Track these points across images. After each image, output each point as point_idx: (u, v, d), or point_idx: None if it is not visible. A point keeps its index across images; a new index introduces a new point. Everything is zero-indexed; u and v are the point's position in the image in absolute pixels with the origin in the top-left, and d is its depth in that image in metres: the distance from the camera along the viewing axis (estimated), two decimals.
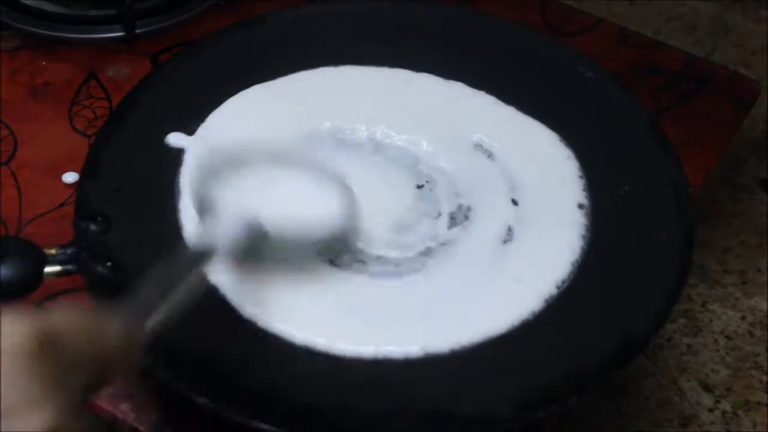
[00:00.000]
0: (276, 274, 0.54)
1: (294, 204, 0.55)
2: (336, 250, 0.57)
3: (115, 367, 0.39)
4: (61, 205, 0.65)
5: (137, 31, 0.76)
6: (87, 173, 0.60)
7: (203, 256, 0.49)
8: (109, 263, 0.54)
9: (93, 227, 0.56)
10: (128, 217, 0.57)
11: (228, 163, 0.55)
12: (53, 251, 0.54)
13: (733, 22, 0.94)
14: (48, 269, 0.53)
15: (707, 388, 0.70)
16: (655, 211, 0.60)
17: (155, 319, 0.43)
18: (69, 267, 0.53)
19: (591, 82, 0.67)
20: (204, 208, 0.53)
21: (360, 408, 0.51)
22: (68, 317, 0.37)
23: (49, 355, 0.35)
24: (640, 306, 0.55)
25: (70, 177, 0.66)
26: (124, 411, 0.55)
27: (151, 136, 0.62)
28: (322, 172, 0.57)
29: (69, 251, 0.54)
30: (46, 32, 0.76)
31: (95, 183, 0.59)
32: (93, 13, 0.77)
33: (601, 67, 0.67)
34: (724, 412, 0.69)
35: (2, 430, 0.33)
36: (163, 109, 0.64)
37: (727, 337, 0.73)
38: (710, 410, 0.69)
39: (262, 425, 0.48)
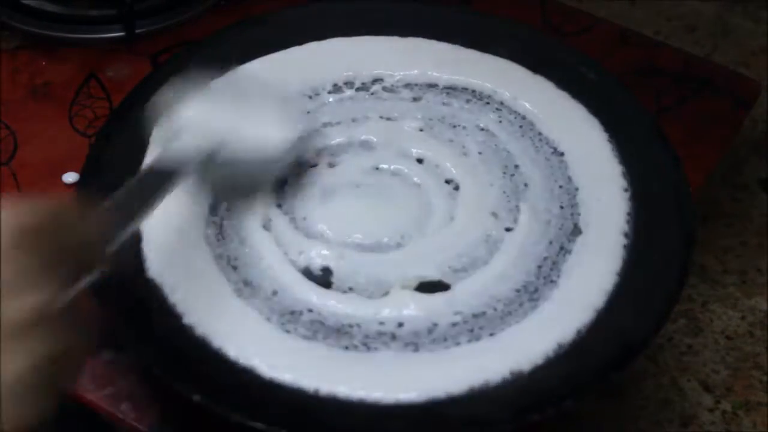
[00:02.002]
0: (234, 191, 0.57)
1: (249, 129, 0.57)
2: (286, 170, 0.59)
3: (90, 259, 0.41)
4: None
5: (137, 31, 0.76)
6: (87, 173, 0.60)
7: (170, 172, 0.51)
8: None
9: None
10: None
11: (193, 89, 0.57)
12: None
13: (733, 22, 0.93)
14: None
15: (707, 388, 0.70)
16: (655, 211, 0.60)
17: (127, 224, 0.46)
18: None
19: (592, 82, 0.67)
20: (168, 130, 0.55)
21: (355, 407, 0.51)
22: (49, 210, 0.39)
23: (31, 246, 0.36)
24: (639, 307, 0.55)
25: (70, 177, 0.66)
26: (124, 411, 0.55)
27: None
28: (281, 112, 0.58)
29: None
30: (46, 32, 0.76)
31: (95, 183, 0.59)
32: (93, 13, 0.78)
33: (602, 67, 0.67)
34: (724, 412, 0.69)
35: None
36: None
37: (727, 337, 0.73)
38: (710, 410, 0.69)
39: (259, 425, 0.48)
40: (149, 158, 0.58)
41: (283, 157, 0.58)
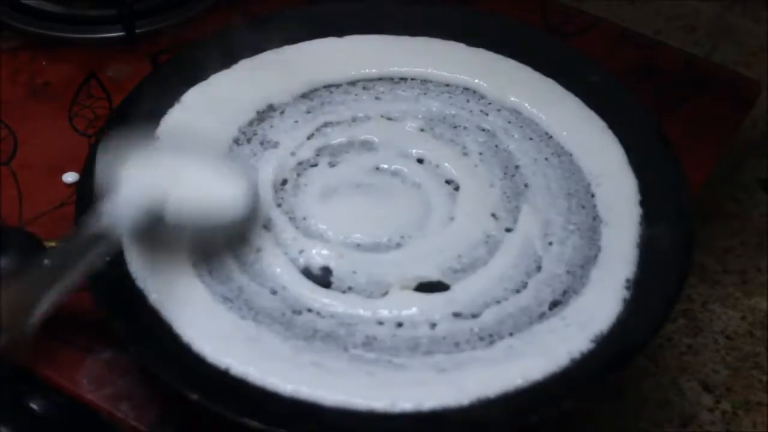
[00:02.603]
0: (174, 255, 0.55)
1: (199, 190, 0.55)
2: (236, 240, 0.57)
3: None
4: (61, 205, 0.65)
5: (137, 31, 0.76)
6: (87, 173, 0.60)
7: (103, 234, 0.50)
8: (107, 258, 0.54)
9: None
10: None
11: (141, 144, 0.56)
12: (53, 244, 0.54)
13: (733, 22, 0.93)
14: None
15: (707, 388, 0.70)
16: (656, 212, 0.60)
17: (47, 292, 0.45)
18: None
19: (592, 82, 0.67)
20: (108, 186, 0.53)
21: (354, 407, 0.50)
22: None
23: None
24: (639, 307, 0.55)
25: (70, 177, 0.66)
26: (124, 411, 0.55)
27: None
28: (230, 164, 0.57)
29: None
30: (46, 32, 0.76)
31: (96, 183, 0.59)
32: (93, 13, 0.78)
33: (602, 67, 0.67)
34: (724, 412, 0.69)
35: None
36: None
37: (727, 337, 0.73)
38: (710, 410, 0.69)
39: (257, 424, 0.48)
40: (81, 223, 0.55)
41: (235, 213, 0.56)
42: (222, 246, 0.56)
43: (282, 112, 0.65)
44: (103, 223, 0.51)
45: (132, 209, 0.51)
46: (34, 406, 0.58)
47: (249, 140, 0.64)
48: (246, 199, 0.56)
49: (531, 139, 0.64)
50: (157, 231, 0.53)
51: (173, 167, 0.55)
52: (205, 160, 0.57)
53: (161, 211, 0.52)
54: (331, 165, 0.63)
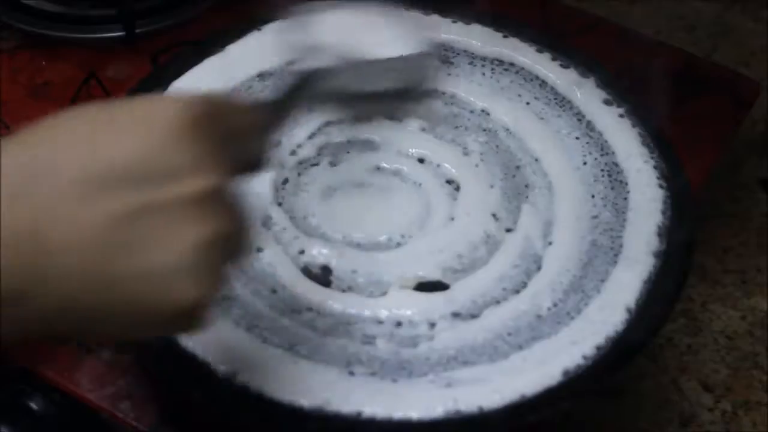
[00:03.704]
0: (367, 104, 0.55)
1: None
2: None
3: (256, 148, 0.43)
4: None
5: (137, 31, 0.76)
6: None
7: (314, 78, 0.51)
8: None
9: None
10: None
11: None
12: None
13: (733, 22, 0.93)
14: None
15: (707, 388, 0.70)
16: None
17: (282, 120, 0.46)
18: None
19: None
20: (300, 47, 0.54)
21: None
22: (224, 99, 0.42)
23: (212, 126, 0.38)
24: (639, 308, 0.54)
25: None
26: (124, 411, 0.55)
27: None
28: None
29: None
30: (46, 32, 0.76)
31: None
32: (93, 13, 0.78)
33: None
34: (724, 412, 0.69)
35: (169, 191, 0.36)
36: None
37: (727, 337, 0.73)
38: (710, 410, 0.69)
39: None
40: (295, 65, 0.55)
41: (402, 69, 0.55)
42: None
43: None
44: (313, 69, 0.51)
45: (327, 60, 0.52)
46: (34, 406, 0.58)
47: None
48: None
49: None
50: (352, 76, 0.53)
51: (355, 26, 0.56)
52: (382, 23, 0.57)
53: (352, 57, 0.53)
54: (332, 164, 0.63)
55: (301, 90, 0.50)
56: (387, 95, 0.56)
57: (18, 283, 0.34)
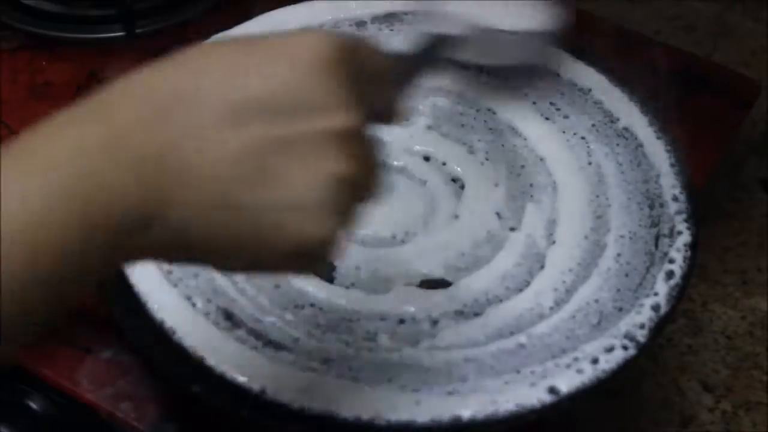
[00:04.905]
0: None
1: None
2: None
3: (390, 97, 0.43)
4: None
5: (137, 31, 0.76)
6: None
7: (444, 42, 0.53)
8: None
9: None
10: None
11: None
12: None
13: (733, 22, 0.93)
14: None
15: (707, 388, 0.70)
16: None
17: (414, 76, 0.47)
18: None
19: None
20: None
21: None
22: (366, 42, 0.41)
23: (354, 65, 0.38)
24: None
25: None
26: (124, 411, 0.55)
27: None
28: None
29: None
30: (46, 32, 0.76)
31: None
32: (93, 12, 0.78)
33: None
34: (724, 412, 0.69)
35: (309, 125, 0.36)
36: None
37: (727, 337, 0.73)
38: (710, 410, 0.69)
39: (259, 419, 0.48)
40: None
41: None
42: None
43: None
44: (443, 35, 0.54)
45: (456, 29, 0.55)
46: (34, 406, 0.58)
47: None
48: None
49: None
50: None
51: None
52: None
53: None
54: None
55: (433, 52, 0.51)
56: (512, 69, 0.57)
57: (139, 205, 0.34)
